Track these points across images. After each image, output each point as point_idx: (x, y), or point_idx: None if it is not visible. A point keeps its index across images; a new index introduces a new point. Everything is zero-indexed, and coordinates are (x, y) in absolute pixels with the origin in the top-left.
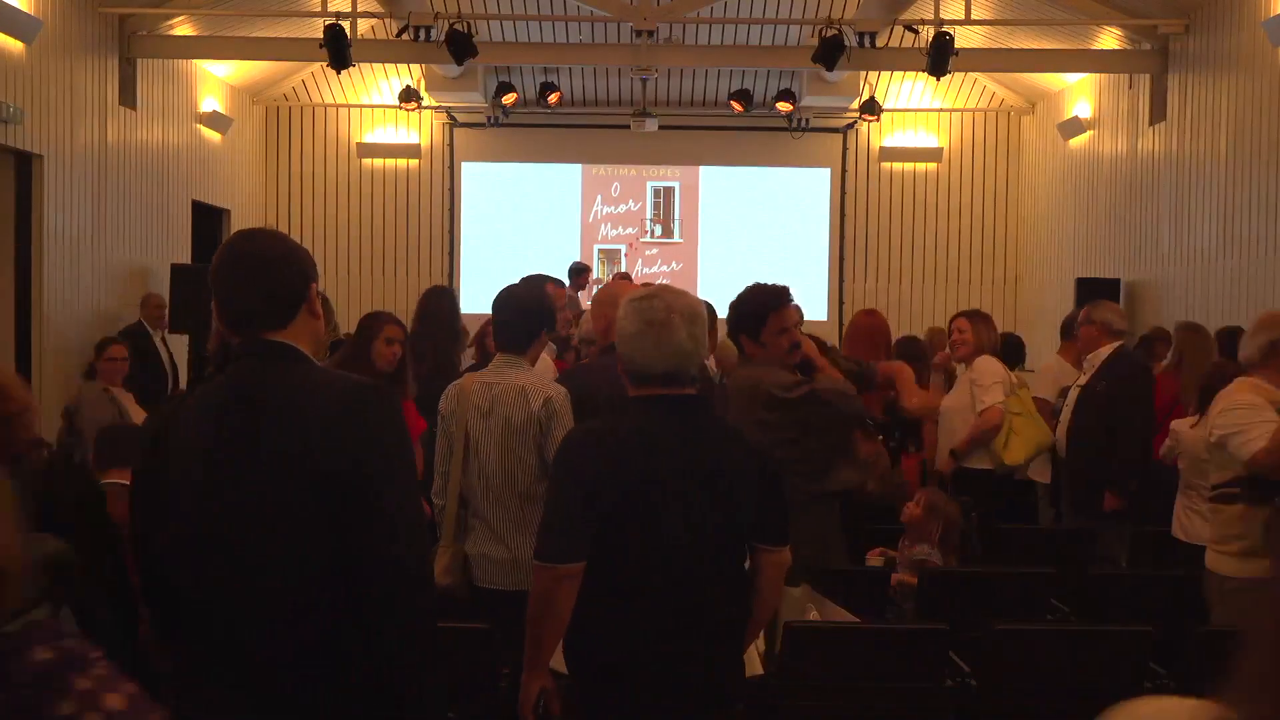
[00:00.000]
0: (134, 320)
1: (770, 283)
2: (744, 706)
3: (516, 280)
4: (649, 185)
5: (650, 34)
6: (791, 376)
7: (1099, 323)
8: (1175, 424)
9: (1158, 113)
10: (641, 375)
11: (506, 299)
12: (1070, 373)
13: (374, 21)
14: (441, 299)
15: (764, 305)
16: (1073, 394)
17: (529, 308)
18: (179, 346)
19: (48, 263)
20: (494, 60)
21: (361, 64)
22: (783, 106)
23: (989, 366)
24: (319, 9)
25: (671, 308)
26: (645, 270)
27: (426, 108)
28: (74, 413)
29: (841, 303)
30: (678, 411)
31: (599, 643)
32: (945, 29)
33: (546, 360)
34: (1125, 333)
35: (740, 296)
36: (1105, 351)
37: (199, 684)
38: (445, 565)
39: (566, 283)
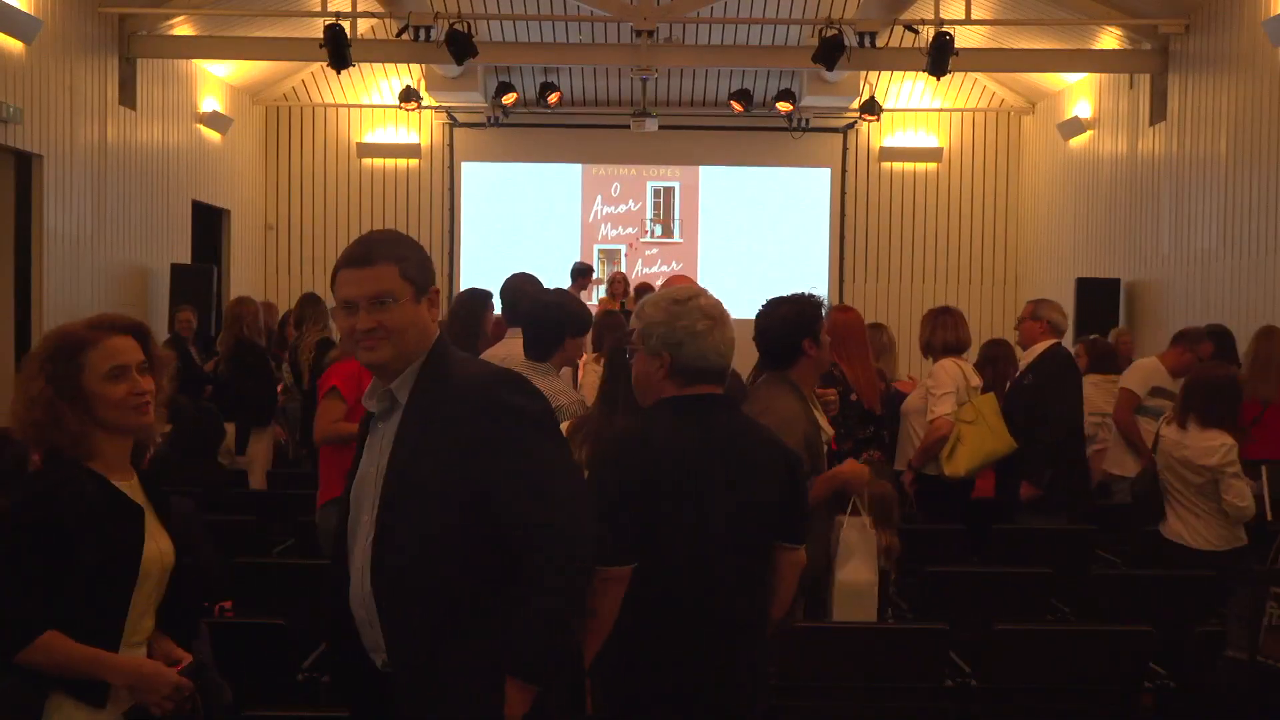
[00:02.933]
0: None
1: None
2: (768, 708)
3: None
4: (649, 185)
5: (650, 34)
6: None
7: (1044, 319)
8: (1166, 430)
9: (1158, 113)
10: (702, 372)
11: None
12: (1163, 376)
13: (374, 21)
14: (461, 300)
15: (814, 319)
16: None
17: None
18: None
19: (48, 263)
20: (494, 60)
21: (361, 64)
22: (783, 106)
23: (943, 375)
24: (319, 9)
25: (719, 304)
26: (645, 270)
27: (426, 108)
28: None
29: (841, 303)
30: (722, 410)
31: (622, 643)
32: (945, 29)
33: (595, 371)
34: (1064, 332)
35: (801, 309)
36: (1040, 347)
37: None
38: None
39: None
